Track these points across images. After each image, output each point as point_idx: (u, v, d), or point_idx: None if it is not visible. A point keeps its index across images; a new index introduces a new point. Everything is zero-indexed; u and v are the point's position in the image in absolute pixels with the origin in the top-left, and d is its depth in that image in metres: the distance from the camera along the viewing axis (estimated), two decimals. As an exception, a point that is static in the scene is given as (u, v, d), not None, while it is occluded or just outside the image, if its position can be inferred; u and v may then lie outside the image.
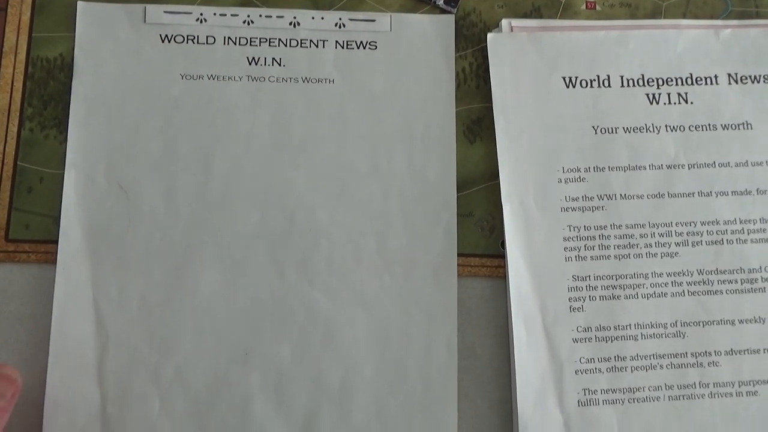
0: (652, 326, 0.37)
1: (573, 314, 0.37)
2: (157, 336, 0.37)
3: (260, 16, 0.41)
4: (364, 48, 0.41)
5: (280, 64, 0.40)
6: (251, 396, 0.36)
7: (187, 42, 0.40)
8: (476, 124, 0.41)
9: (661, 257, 0.38)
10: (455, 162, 0.40)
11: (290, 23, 0.41)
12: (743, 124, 0.41)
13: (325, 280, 0.38)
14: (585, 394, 0.37)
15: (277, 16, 0.41)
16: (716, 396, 0.37)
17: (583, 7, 0.42)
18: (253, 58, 0.40)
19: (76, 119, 0.39)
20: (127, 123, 0.39)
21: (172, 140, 0.39)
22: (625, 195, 0.39)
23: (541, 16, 0.42)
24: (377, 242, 0.38)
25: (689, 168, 0.40)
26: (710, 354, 0.37)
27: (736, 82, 0.41)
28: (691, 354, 0.37)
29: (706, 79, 0.41)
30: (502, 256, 0.39)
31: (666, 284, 0.38)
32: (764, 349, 0.38)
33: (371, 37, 0.41)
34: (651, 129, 0.40)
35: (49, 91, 0.39)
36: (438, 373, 0.37)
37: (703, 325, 0.38)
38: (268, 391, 0.36)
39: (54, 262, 0.37)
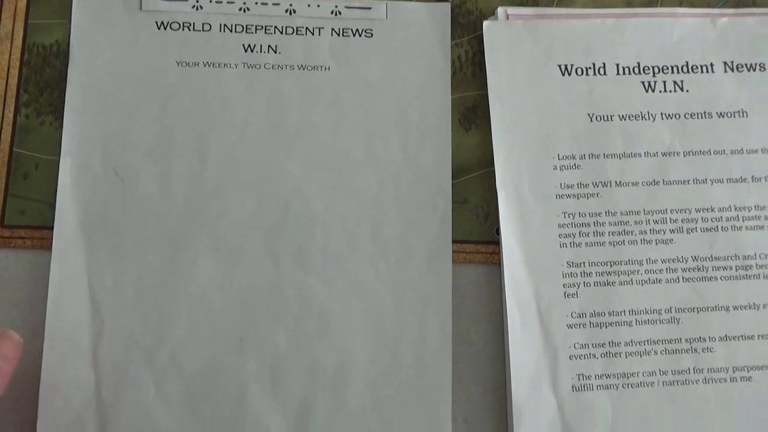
0: (646, 312, 0.38)
1: (567, 300, 0.38)
2: (152, 322, 0.37)
3: (256, 3, 0.41)
4: (360, 36, 0.41)
5: (275, 52, 0.40)
6: (246, 383, 0.36)
7: (183, 29, 0.40)
8: (471, 112, 0.41)
9: (656, 244, 0.38)
10: (450, 149, 0.40)
11: (286, 11, 0.41)
12: (739, 112, 0.41)
13: (320, 267, 0.38)
14: (579, 380, 0.37)
15: (273, 4, 0.41)
16: (710, 381, 0.37)
17: (579, -5, 0.42)
18: (249, 46, 0.40)
19: (72, 106, 0.39)
20: (122, 110, 0.39)
21: (168, 127, 0.39)
22: (620, 182, 0.39)
23: (536, 4, 0.42)
24: (372, 230, 0.38)
25: (684, 155, 0.40)
26: (704, 340, 0.37)
27: (732, 70, 0.41)
28: (686, 340, 0.37)
29: (702, 67, 0.41)
30: (497, 242, 0.39)
31: (661, 271, 0.38)
32: (759, 336, 0.38)
33: (367, 25, 0.41)
34: (646, 117, 0.40)
35: (45, 78, 0.39)
36: (432, 360, 0.37)
37: (698, 312, 0.38)
38: (263, 378, 0.37)
39: (49, 247, 0.37)
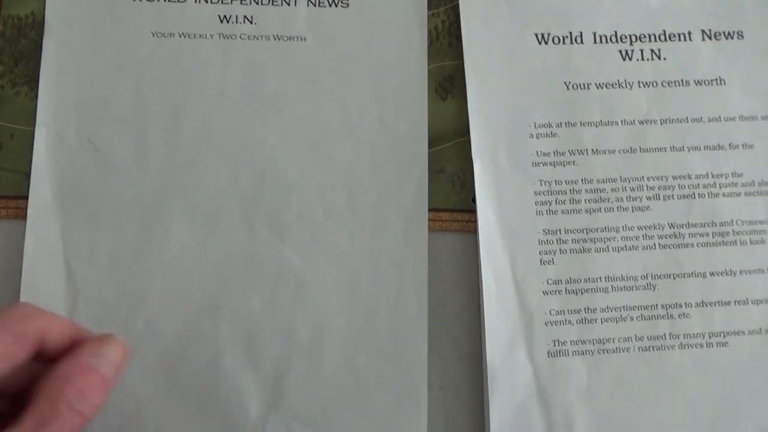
0: (622, 279, 0.37)
1: (543, 267, 0.37)
2: (128, 291, 0.37)
3: (232, -26, 0.41)
4: (336, 6, 0.41)
5: (251, 22, 0.40)
6: (221, 349, 0.36)
7: (159, 0, 0.40)
8: (448, 81, 0.40)
9: (633, 211, 0.38)
10: (427, 118, 0.40)
11: (262, -19, 0.41)
12: (716, 80, 0.41)
13: (295, 235, 0.38)
14: (555, 345, 0.37)
15: (249, -26, 0.41)
16: (686, 347, 0.37)
17: (556, -36, 0.42)
18: (225, 16, 0.40)
19: (47, 76, 0.39)
20: (98, 80, 0.39)
21: (143, 98, 0.39)
22: (596, 150, 0.39)
23: (513, -26, 0.42)
24: (348, 198, 0.38)
25: (661, 123, 0.40)
26: (680, 306, 0.37)
27: (710, 38, 0.41)
28: (662, 306, 0.37)
29: (679, 35, 0.41)
30: (473, 211, 0.39)
31: (637, 237, 0.38)
32: (735, 301, 0.37)
33: (343, -5, 0.41)
34: (623, 85, 0.40)
35: (20, 49, 0.39)
36: (408, 327, 0.37)
37: (674, 278, 0.38)
38: (238, 344, 0.37)
39: (24, 217, 0.37)
